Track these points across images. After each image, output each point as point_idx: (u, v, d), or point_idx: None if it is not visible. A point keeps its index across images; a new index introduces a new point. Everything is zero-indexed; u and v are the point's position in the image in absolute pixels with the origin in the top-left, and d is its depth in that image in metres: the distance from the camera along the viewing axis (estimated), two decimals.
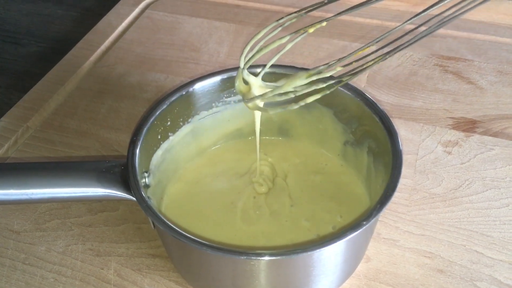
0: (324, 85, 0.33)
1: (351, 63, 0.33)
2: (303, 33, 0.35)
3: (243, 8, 0.73)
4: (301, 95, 0.34)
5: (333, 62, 0.34)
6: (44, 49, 0.77)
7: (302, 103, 0.34)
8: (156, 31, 0.70)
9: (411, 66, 0.61)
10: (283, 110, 0.35)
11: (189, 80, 0.44)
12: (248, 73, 0.37)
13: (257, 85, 0.37)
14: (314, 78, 0.35)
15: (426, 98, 0.57)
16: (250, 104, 0.37)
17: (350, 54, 0.33)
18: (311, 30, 0.35)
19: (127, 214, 0.47)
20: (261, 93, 0.36)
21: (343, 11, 0.34)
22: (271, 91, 0.35)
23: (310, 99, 0.34)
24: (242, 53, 0.36)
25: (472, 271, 0.42)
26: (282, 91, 0.35)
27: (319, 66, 0.34)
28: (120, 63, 0.64)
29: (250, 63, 0.36)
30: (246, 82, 0.38)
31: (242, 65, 0.36)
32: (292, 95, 0.34)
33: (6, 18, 0.84)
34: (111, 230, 0.46)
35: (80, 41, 0.68)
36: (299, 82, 0.35)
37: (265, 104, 0.38)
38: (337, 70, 0.34)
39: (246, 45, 0.36)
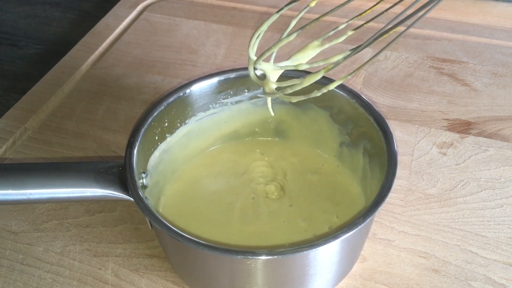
0: (341, 56, 0.32)
1: (361, 25, 0.31)
2: (306, 7, 0.34)
3: (240, 11, 0.73)
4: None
5: (342, 25, 0.32)
6: (41, 51, 0.77)
7: (324, 90, 0.33)
8: (153, 33, 0.70)
9: (406, 68, 0.62)
10: (307, 97, 0.34)
11: (186, 81, 0.44)
12: (260, 62, 0.35)
13: (271, 70, 0.36)
14: (327, 46, 0.33)
15: (421, 100, 0.58)
16: (270, 95, 0.36)
17: (357, 16, 0.32)
18: (312, 4, 0.33)
19: (125, 215, 0.47)
20: (276, 76, 0.35)
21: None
22: (290, 87, 0.34)
23: (333, 86, 0.33)
24: (249, 45, 0.35)
25: (466, 271, 0.42)
26: (300, 87, 0.33)
27: (328, 32, 0.33)
28: (117, 65, 0.65)
29: (262, 58, 0.35)
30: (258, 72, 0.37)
31: (252, 56, 0.35)
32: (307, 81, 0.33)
33: (4, 20, 0.84)
34: (108, 231, 0.46)
35: (78, 43, 0.69)
36: (312, 53, 0.34)
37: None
38: (348, 34, 0.32)
39: (252, 36, 0.34)
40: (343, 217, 0.42)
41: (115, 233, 0.46)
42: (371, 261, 0.43)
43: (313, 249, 0.32)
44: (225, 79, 0.44)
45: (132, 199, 0.36)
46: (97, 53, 0.67)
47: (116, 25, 0.72)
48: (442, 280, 0.41)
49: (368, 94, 0.58)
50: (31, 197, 0.37)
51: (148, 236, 0.45)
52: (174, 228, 0.33)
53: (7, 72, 0.73)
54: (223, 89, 0.45)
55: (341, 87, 0.43)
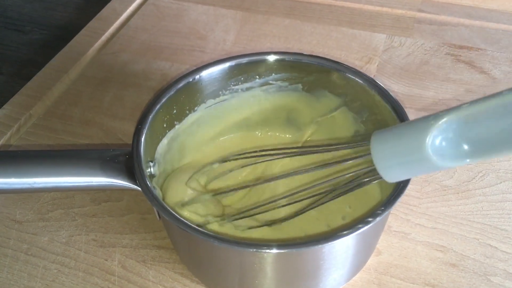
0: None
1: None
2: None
3: None
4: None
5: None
6: (47, 37, 0.75)
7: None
8: (161, 18, 0.68)
9: (422, 55, 0.60)
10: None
11: (195, 68, 0.42)
12: None
13: None
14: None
15: (437, 87, 0.56)
16: None
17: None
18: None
19: (132, 205, 0.46)
20: None
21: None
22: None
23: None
24: None
25: (485, 265, 0.40)
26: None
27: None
28: (124, 51, 0.63)
29: None
30: None
31: None
32: None
33: (9, 5, 0.83)
34: (115, 221, 0.45)
35: (84, 28, 0.67)
36: None
37: None
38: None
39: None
40: (356, 207, 0.41)
41: (122, 223, 0.45)
42: (386, 254, 0.41)
43: (329, 243, 0.31)
44: (236, 65, 0.43)
45: (139, 188, 0.35)
46: (103, 38, 0.66)
47: (122, 9, 0.70)
48: (460, 275, 0.40)
49: (382, 81, 0.56)
50: (35, 185, 0.36)
51: (155, 227, 0.44)
52: (183, 219, 0.32)
53: (12, 57, 0.72)
54: (234, 75, 0.43)
55: (357, 73, 0.41)
